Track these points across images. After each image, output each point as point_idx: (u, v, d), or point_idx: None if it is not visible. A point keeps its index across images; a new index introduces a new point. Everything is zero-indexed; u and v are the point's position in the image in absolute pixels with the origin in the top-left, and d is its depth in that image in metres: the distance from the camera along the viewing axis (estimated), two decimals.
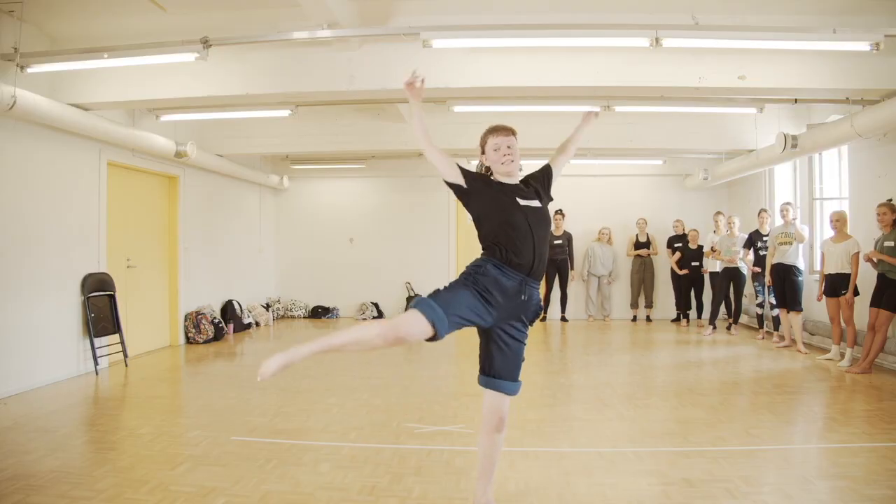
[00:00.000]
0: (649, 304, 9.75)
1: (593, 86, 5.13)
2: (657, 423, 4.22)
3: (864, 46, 4.26)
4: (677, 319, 9.44)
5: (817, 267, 7.03)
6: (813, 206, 7.78)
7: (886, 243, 5.59)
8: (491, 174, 2.81)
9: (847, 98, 5.47)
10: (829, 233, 6.43)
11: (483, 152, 2.84)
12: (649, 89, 5.25)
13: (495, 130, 2.79)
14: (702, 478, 3.18)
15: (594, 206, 10.16)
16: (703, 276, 9.01)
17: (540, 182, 2.83)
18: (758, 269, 7.73)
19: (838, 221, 6.18)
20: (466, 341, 7.99)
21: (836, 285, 6.12)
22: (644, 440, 3.85)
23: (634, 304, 9.83)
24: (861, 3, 4.73)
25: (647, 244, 9.65)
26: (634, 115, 7.64)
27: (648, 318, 9.80)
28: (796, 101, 6.50)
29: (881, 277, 5.63)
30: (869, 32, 4.19)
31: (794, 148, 6.45)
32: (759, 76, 5.01)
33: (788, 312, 7.01)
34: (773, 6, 4.79)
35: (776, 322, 7.47)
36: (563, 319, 9.75)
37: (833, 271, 6.14)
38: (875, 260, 5.63)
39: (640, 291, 9.76)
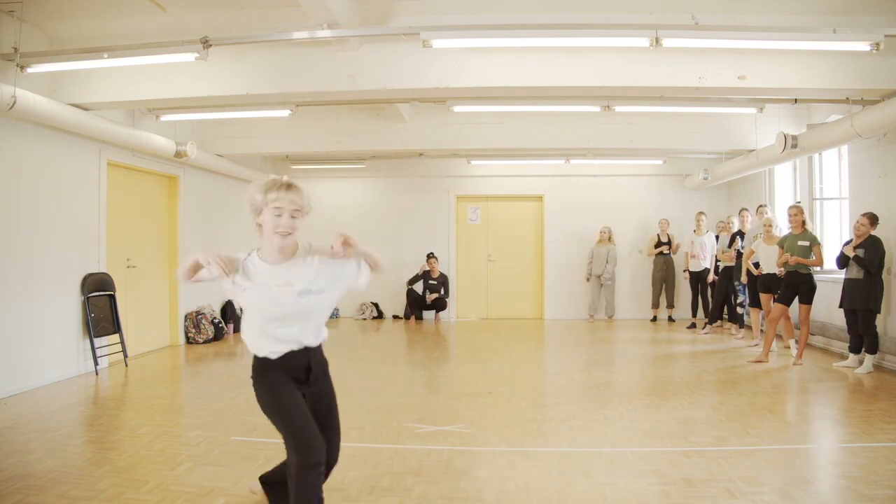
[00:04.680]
0: (671, 305, 9.71)
1: (593, 86, 5.13)
2: (657, 423, 4.22)
3: (864, 46, 4.27)
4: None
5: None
6: (813, 206, 7.79)
7: (801, 242, 6.01)
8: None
9: (847, 98, 5.47)
10: (829, 232, 6.45)
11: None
12: (649, 89, 5.25)
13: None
14: (702, 478, 3.18)
15: (594, 205, 10.17)
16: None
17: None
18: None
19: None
20: (466, 342, 8.00)
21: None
22: (644, 440, 3.85)
23: (655, 304, 9.79)
24: (861, 3, 4.73)
25: (668, 244, 9.60)
26: (634, 115, 7.64)
27: (671, 319, 9.74)
28: (796, 101, 6.50)
29: (793, 274, 6.07)
30: (869, 32, 4.19)
31: (794, 148, 6.45)
32: (759, 76, 5.01)
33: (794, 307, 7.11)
34: (773, 6, 4.79)
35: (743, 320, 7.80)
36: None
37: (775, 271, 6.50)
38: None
39: (661, 291, 9.72)
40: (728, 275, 8.02)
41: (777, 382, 5.49)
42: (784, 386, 5.36)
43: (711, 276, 8.52)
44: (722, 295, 8.18)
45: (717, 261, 8.39)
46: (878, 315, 5.67)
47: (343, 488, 3.08)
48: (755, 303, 7.13)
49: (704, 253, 8.66)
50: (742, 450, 3.63)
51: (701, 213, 8.81)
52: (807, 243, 6.04)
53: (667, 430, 4.03)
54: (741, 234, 7.72)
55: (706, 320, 8.49)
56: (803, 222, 6.12)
